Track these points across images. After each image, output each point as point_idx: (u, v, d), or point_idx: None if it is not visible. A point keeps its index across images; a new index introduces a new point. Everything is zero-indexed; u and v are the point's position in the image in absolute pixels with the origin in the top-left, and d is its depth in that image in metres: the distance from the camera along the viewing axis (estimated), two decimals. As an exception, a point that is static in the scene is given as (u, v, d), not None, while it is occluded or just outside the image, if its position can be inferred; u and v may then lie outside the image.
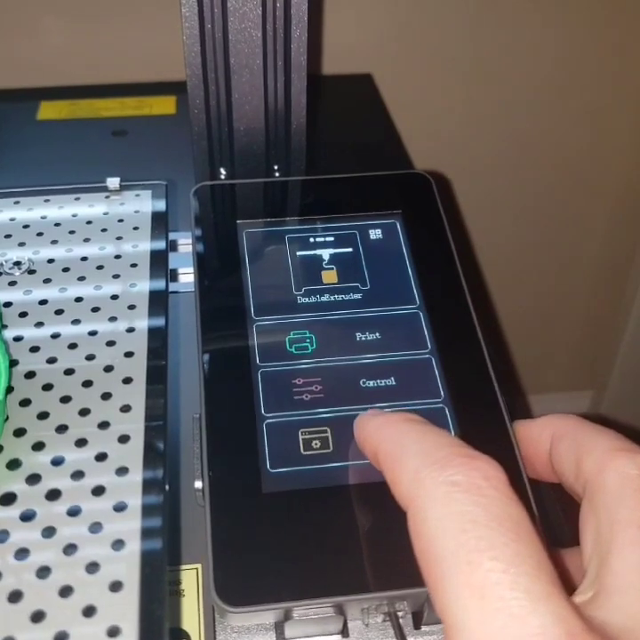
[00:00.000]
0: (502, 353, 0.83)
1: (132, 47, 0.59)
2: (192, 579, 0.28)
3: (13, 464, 0.23)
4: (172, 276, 0.33)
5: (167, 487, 0.24)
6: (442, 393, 0.28)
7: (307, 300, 0.32)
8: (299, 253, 0.33)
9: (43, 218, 0.32)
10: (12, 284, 0.29)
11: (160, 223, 0.31)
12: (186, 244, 0.34)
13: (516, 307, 0.82)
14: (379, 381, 0.29)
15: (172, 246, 0.33)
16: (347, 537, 0.25)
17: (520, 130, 0.70)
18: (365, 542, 0.24)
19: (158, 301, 0.28)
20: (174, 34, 0.55)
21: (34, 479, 0.23)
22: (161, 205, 0.32)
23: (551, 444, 0.23)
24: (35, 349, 0.26)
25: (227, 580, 0.23)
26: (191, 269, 0.32)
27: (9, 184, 0.38)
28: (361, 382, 0.29)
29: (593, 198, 0.76)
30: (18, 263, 0.30)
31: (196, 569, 0.28)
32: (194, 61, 0.35)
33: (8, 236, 0.31)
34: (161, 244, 0.30)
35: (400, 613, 0.25)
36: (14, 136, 0.49)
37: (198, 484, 0.26)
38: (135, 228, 0.31)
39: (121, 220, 0.31)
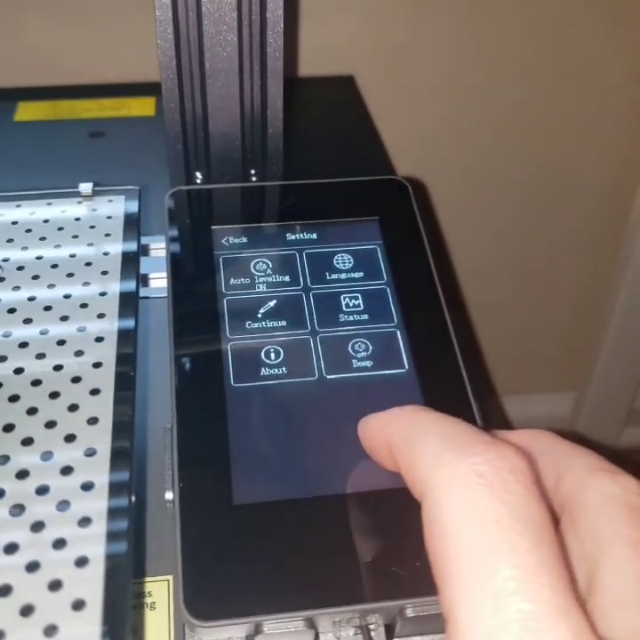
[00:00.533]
0: (479, 354, 0.84)
1: (112, 47, 0.59)
2: (163, 591, 0.28)
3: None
4: (144, 280, 0.32)
5: (133, 497, 0.23)
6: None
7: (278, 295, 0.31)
8: (274, 259, 0.33)
9: (13, 223, 0.31)
10: (-20, 292, 0.29)
11: (132, 229, 0.30)
12: (158, 248, 0.34)
13: (495, 316, 0.82)
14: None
15: (144, 251, 0.33)
16: (318, 550, 0.24)
17: (502, 135, 0.70)
18: (337, 555, 0.24)
19: (128, 309, 0.27)
20: (154, 35, 0.55)
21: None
22: (133, 211, 0.32)
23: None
24: (2, 359, 0.26)
25: (196, 594, 0.23)
26: (163, 274, 0.32)
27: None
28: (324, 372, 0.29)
29: (574, 206, 0.77)
30: (-13, 270, 0.29)
31: (167, 581, 0.28)
32: (169, 65, 0.35)
33: (-23, 243, 0.31)
34: (132, 251, 0.30)
35: (372, 626, 0.25)
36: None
37: (169, 496, 0.25)
38: (107, 235, 0.31)
39: (93, 227, 0.31)
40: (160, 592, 0.28)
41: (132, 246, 0.30)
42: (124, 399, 0.25)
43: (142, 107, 0.52)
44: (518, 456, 0.17)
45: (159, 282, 0.33)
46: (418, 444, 0.19)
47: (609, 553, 0.18)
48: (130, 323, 0.27)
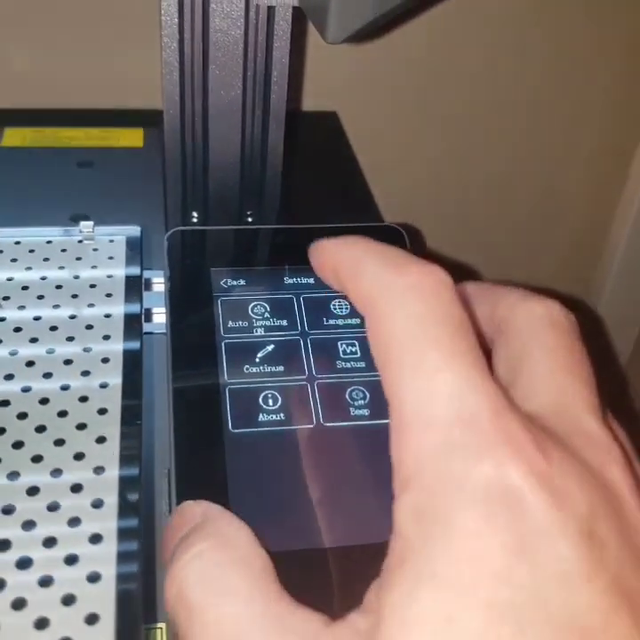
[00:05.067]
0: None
1: (98, 73, 0.59)
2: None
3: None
4: (146, 315, 0.32)
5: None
6: None
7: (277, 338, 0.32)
8: (272, 303, 0.33)
9: (13, 261, 0.31)
10: (-19, 331, 0.28)
11: (134, 277, 0.31)
12: (159, 282, 0.34)
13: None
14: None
15: (146, 285, 0.33)
16: (319, 599, 0.25)
17: (489, 172, 0.71)
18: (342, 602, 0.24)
19: (132, 360, 0.27)
20: (140, 61, 0.56)
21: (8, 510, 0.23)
22: (135, 253, 0.32)
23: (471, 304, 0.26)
24: (5, 404, 0.26)
25: None
26: (164, 309, 0.32)
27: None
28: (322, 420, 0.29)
29: (560, 249, 0.78)
30: (-13, 310, 0.29)
31: (161, 629, 0.28)
32: (172, 108, 0.35)
33: (-23, 280, 0.30)
34: (136, 300, 0.30)
35: None
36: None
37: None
38: (109, 277, 0.31)
39: (94, 267, 0.31)
40: (155, 641, 0.27)
41: (136, 281, 0.30)
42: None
43: (130, 137, 0.52)
44: (442, 272, 0.21)
45: (161, 317, 0.33)
46: (361, 267, 0.22)
47: (530, 357, 0.22)
48: (135, 375, 0.27)
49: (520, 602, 0.17)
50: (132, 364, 0.27)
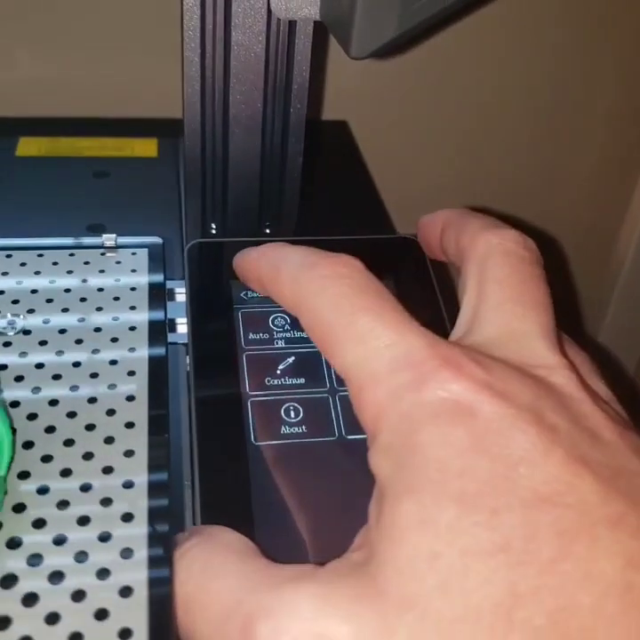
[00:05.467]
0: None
1: (112, 83, 0.59)
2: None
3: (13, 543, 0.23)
4: (170, 325, 0.33)
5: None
6: None
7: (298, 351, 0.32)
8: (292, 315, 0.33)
9: (36, 273, 0.31)
10: (7, 344, 0.29)
11: (158, 289, 0.31)
12: (181, 293, 0.35)
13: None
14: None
15: (169, 296, 0.33)
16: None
17: (499, 181, 0.72)
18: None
19: (158, 372, 0.28)
20: (153, 70, 0.56)
21: (39, 523, 0.23)
22: (158, 265, 0.32)
23: (442, 230, 0.28)
24: (33, 417, 0.26)
25: None
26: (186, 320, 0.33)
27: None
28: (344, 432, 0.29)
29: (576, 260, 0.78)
30: (12, 323, 0.29)
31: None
32: (193, 121, 0.36)
33: (0, 293, 0.30)
34: (159, 312, 0.30)
35: None
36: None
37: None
38: (133, 289, 0.31)
39: (118, 280, 0.31)
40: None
41: (160, 304, 0.30)
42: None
43: (145, 148, 0.53)
44: (350, 258, 0.23)
45: (185, 327, 0.34)
46: (281, 272, 0.24)
47: (484, 288, 0.23)
48: (161, 388, 0.28)
49: (487, 491, 0.18)
50: (158, 377, 0.27)
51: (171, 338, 0.33)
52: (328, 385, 0.31)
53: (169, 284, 0.33)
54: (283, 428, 0.30)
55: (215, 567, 0.21)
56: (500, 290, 0.23)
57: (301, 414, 0.30)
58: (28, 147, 0.51)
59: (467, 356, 0.20)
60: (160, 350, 0.29)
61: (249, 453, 0.28)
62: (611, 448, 0.19)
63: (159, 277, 0.32)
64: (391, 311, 0.21)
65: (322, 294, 0.22)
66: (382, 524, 0.19)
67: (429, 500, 0.18)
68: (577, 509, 0.17)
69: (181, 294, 0.35)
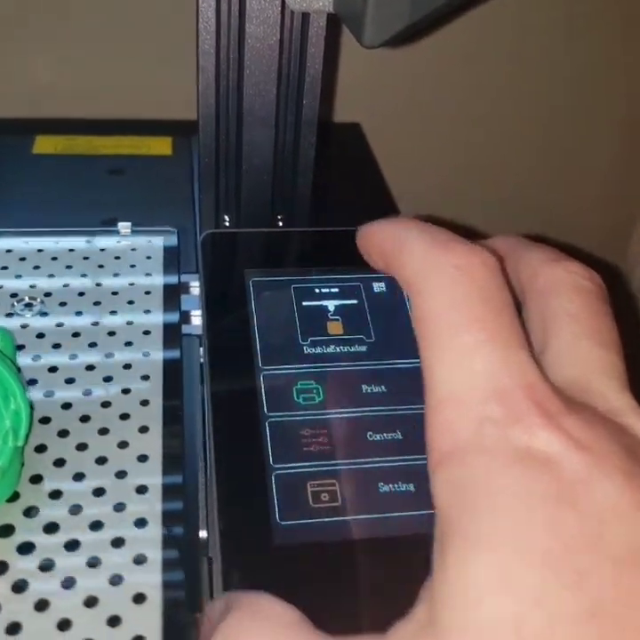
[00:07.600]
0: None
1: (128, 85, 0.60)
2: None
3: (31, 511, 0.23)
4: (185, 318, 0.33)
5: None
6: None
7: (313, 350, 0.32)
8: (304, 304, 0.34)
9: (53, 259, 0.32)
10: (24, 326, 0.29)
11: (172, 270, 0.31)
12: (196, 286, 0.35)
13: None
14: (385, 435, 0.29)
15: (184, 289, 0.34)
16: (360, 593, 0.25)
17: (511, 182, 0.72)
18: (379, 598, 0.25)
19: (171, 374, 0.28)
20: (169, 72, 0.57)
21: (51, 528, 0.23)
22: (172, 254, 0.32)
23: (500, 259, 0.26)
24: (45, 421, 0.26)
25: None
26: (200, 312, 0.33)
27: (5, 219, 0.38)
28: (368, 435, 0.29)
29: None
30: (29, 305, 0.30)
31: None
32: (207, 112, 0.36)
33: (18, 277, 0.31)
34: (173, 284, 0.30)
35: None
36: (9, 169, 0.49)
37: (203, 534, 0.26)
38: (147, 274, 0.31)
39: (133, 266, 0.32)
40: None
41: (173, 281, 0.30)
42: (173, 436, 0.26)
43: (160, 146, 0.53)
44: (489, 252, 0.21)
45: (199, 319, 0.34)
46: (408, 246, 0.22)
47: (554, 322, 0.22)
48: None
49: (574, 548, 0.17)
50: (172, 379, 0.28)
51: (185, 330, 0.33)
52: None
53: (183, 278, 0.33)
54: (298, 403, 0.30)
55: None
56: (573, 324, 0.22)
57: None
58: (45, 145, 0.52)
59: (560, 402, 0.19)
60: (174, 351, 0.29)
61: (263, 427, 0.28)
62: None
63: (174, 265, 0.32)
64: (506, 331, 0.20)
65: (446, 286, 0.20)
66: (449, 574, 0.18)
67: (511, 558, 0.17)
68: None
69: (195, 288, 0.35)
